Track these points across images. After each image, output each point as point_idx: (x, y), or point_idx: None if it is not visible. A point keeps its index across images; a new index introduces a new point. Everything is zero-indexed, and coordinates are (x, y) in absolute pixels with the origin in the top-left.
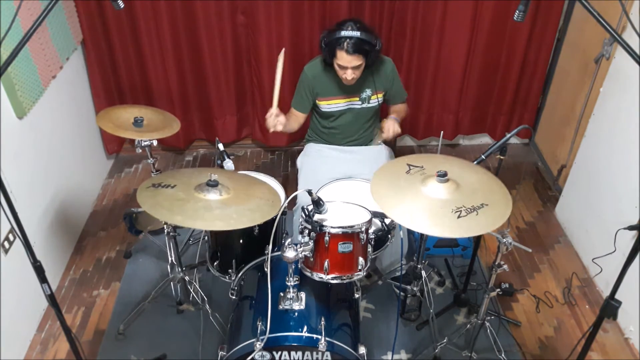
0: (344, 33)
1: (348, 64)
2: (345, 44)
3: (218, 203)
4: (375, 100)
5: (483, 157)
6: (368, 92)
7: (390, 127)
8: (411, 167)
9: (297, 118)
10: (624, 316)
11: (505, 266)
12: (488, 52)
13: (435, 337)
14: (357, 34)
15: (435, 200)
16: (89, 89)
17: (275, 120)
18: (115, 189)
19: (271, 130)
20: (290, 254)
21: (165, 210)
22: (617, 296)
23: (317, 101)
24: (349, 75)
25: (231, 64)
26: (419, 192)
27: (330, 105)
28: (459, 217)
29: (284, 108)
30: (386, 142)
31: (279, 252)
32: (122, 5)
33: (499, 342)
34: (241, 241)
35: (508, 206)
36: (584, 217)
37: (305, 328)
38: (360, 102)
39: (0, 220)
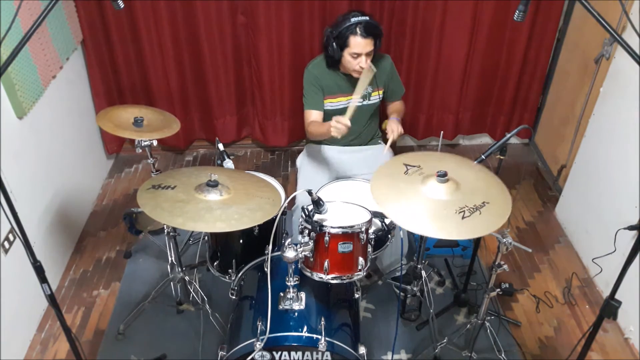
0: (353, 19)
1: (363, 49)
2: (358, 29)
3: (219, 203)
4: (376, 96)
5: (483, 157)
6: (369, 88)
7: (394, 128)
8: (409, 168)
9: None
10: (624, 316)
11: (505, 266)
12: (488, 52)
13: (435, 337)
14: (366, 17)
15: (438, 202)
16: (89, 89)
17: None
18: (115, 189)
19: (340, 133)
20: (290, 254)
21: (167, 213)
22: (617, 296)
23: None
24: (364, 63)
25: (231, 64)
26: (420, 194)
27: (333, 103)
28: (463, 217)
29: (284, 108)
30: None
31: (279, 252)
32: (122, 5)
33: (499, 342)
34: (241, 241)
35: (507, 202)
36: (584, 217)
37: (305, 328)
38: (361, 99)
39: (0, 220)
